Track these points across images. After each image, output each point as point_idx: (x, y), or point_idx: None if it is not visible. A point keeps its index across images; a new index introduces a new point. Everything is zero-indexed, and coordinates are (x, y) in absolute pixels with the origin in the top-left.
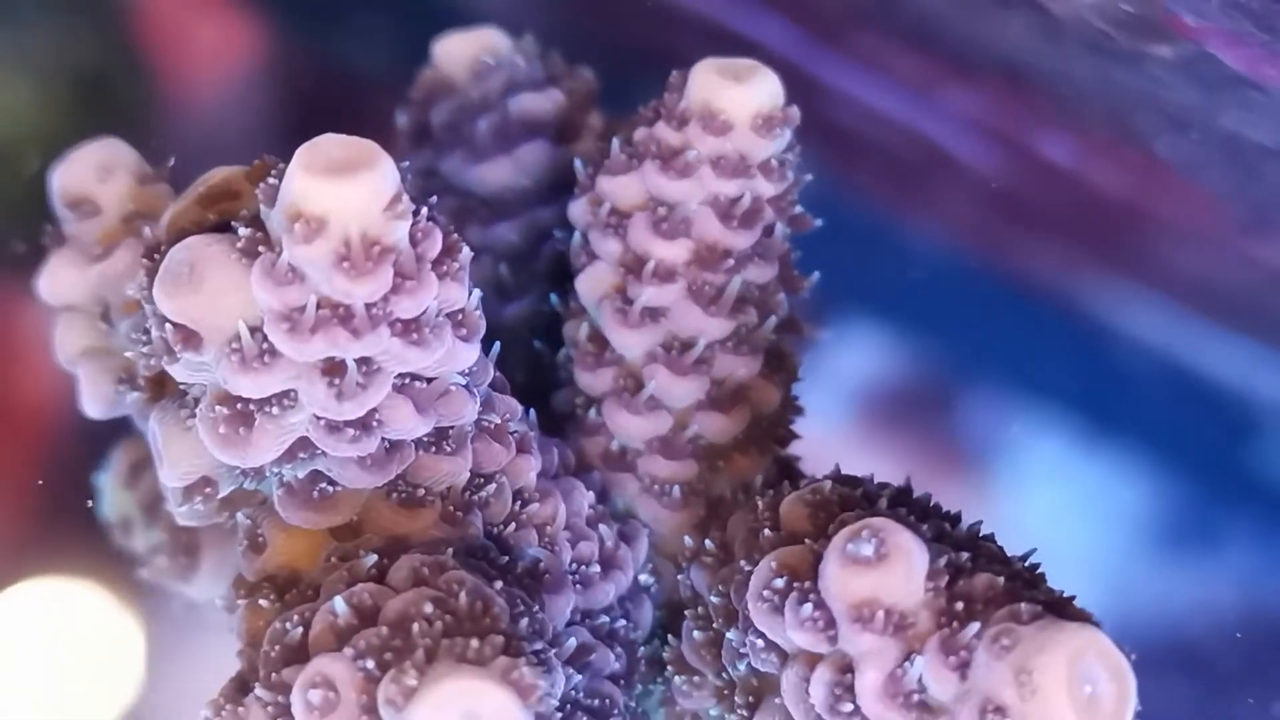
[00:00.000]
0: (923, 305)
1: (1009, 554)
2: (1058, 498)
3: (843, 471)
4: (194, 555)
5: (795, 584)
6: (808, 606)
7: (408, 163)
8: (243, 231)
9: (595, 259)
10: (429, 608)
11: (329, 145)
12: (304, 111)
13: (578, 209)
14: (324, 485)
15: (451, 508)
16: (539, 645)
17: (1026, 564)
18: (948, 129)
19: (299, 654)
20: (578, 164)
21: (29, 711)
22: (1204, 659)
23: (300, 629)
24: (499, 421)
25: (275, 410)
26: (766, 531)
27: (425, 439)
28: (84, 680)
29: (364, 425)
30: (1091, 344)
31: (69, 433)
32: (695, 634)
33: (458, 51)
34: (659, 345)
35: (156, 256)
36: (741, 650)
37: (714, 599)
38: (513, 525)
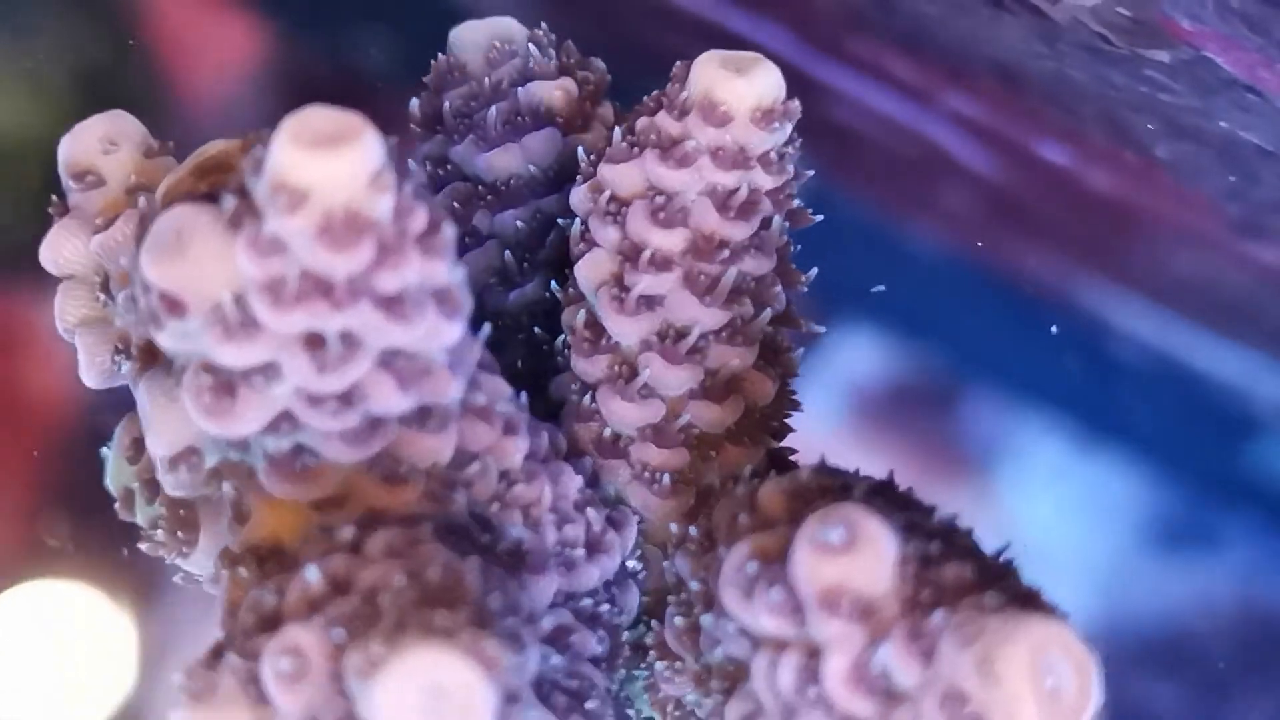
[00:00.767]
0: (921, 306)
1: (984, 548)
2: (1055, 498)
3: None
4: (192, 530)
5: (766, 569)
6: (776, 591)
7: (395, 139)
8: (229, 201)
9: (594, 246)
10: (400, 579)
11: (315, 117)
12: None
13: (579, 196)
14: (307, 458)
15: (434, 485)
16: (510, 621)
17: (1000, 558)
18: (946, 131)
19: (272, 622)
20: (581, 151)
21: (24, 712)
22: (1201, 658)
23: (275, 597)
24: (486, 402)
25: (259, 380)
26: (742, 517)
27: (409, 416)
28: (78, 682)
29: (345, 399)
30: (1088, 345)
31: (69, 434)
32: (677, 620)
33: (473, 37)
34: (654, 333)
35: (147, 226)
36: (717, 635)
37: (695, 585)
38: (496, 505)
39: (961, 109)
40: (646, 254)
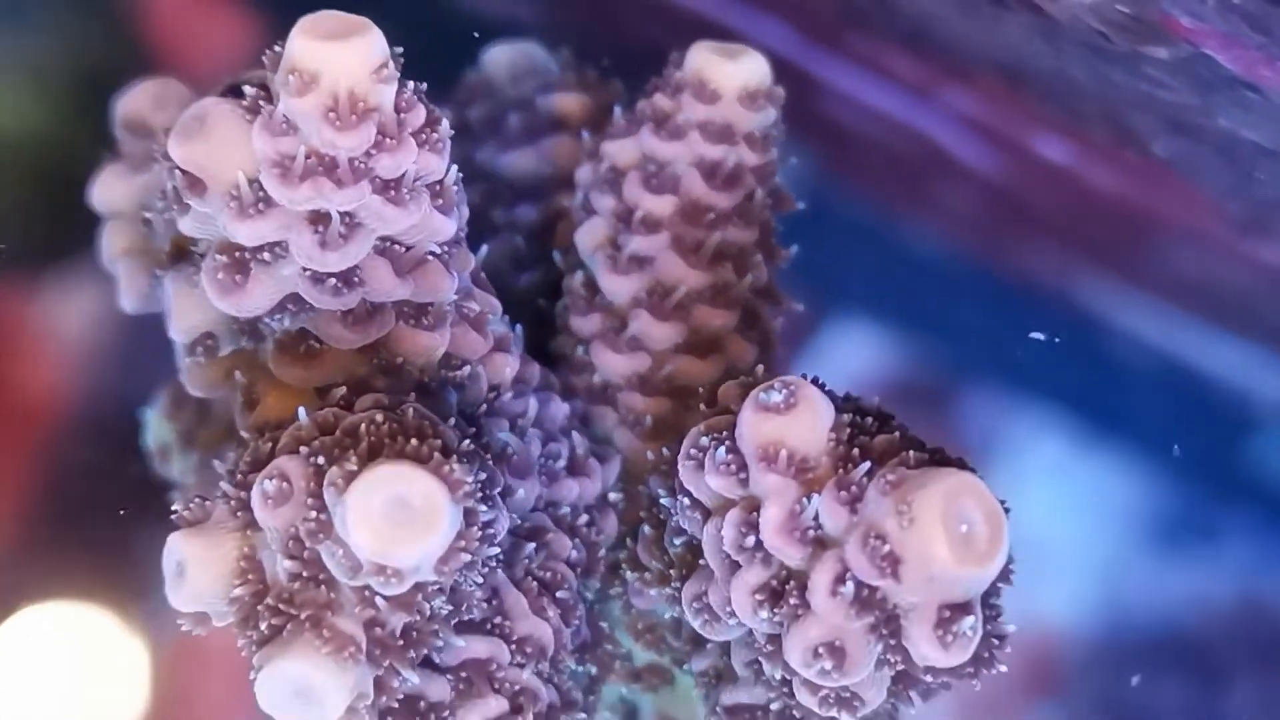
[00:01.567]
0: (921, 305)
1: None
2: (1054, 495)
3: None
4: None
5: (716, 438)
6: (722, 451)
7: (401, 48)
8: (249, 91)
9: (593, 215)
10: (380, 417)
11: (327, 17)
12: None
13: (582, 172)
14: (312, 343)
15: (428, 380)
16: (478, 461)
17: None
18: (946, 129)
19: (264, 463)
20: (585, 134)
21: None
22: (1200, 655)
23: (269, 444)
24: (479, 311)
25: (268, 258)
26: (702, 408)
27: (405, 311)
28: (89, 703)
29: (346, 280)
30: (1088, 343)
31: (70, 436)
32: (646, 529)
33: (500, 58)
34: (643, 291)
35: None
36: (677, 523)
37: (664, 499)
38: (484, 408)
39: (961, 106)
40: (638, 214)
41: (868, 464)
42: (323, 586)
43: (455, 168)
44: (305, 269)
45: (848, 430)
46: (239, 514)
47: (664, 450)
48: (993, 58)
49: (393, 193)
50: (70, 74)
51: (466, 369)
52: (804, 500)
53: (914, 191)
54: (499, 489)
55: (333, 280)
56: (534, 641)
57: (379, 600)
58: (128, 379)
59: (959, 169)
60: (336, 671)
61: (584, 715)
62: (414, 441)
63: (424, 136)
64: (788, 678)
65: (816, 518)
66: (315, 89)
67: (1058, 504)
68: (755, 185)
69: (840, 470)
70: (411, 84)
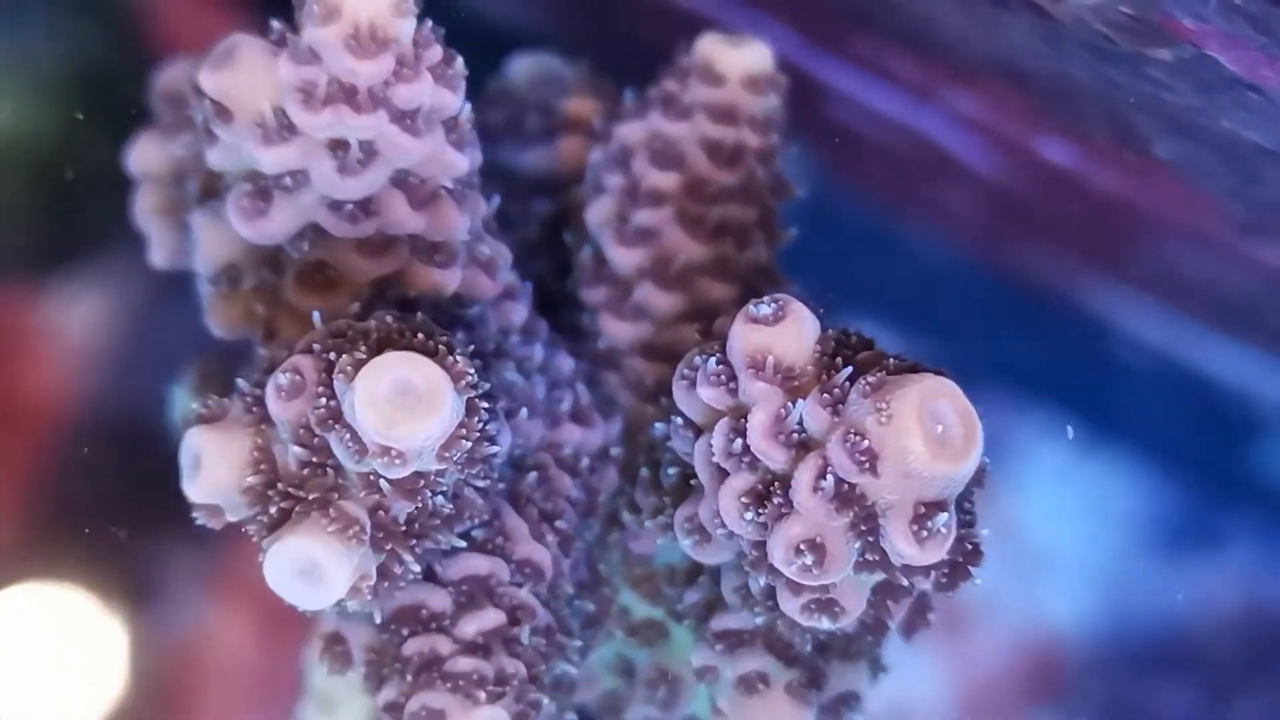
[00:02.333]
0: (923, 307)
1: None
2: (1059, 499)
3: None
4: None
5: (708, 352)
6: (713, 362)
7: None
8: (277, 26)
9: (602, 192)
10: (390, 318)
11: None
12: None
13: (594, 155)
14: (330, 272)
15: (439, 317)
16: (481, 373)
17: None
18: (948, 131)
19: (280, 363)
20: (596, 119)
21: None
22: (1204, 659)
23: (285, 351)
24: (490, 255)
25: (290, 184)
26: (697, 334)
27: (419, 246)
28: (69, 685)
29: (363, 208)
30: (1091, 345)
31: (70, 436)
32: (644, 471)
33: (520, 68)
34: (648, 262)
35: None
36: (671, 446)
37: (659, 427)
38: (493, 346)
39: (963, 108)
40: (645, 187)
41: (850, 369)
42: (331, 472)
43: (469, 105)
44: (325, 196)
45: (833, 344)
46: (254, 409)
47: (662, 401)
48: (995, 59)
49: (409, 122)
50: (70, 74)
51: (476, 308)
52: (789, 405)
53: (916, 193)
54: (501, 405)
55: (350, 207)
56: (533, 564)
57: (384, 484)
58: (130, 382)
59: (961, 171)
60: (341, 550)
61: (580, 643)
62: (420, 336)
63: (439, 72)
64: (772, 585)
65: (800, 422)
66: (338, 19)
67: (1061, 508)
68: (756, 166)
69: (824, 377)
70: (430, 22)
